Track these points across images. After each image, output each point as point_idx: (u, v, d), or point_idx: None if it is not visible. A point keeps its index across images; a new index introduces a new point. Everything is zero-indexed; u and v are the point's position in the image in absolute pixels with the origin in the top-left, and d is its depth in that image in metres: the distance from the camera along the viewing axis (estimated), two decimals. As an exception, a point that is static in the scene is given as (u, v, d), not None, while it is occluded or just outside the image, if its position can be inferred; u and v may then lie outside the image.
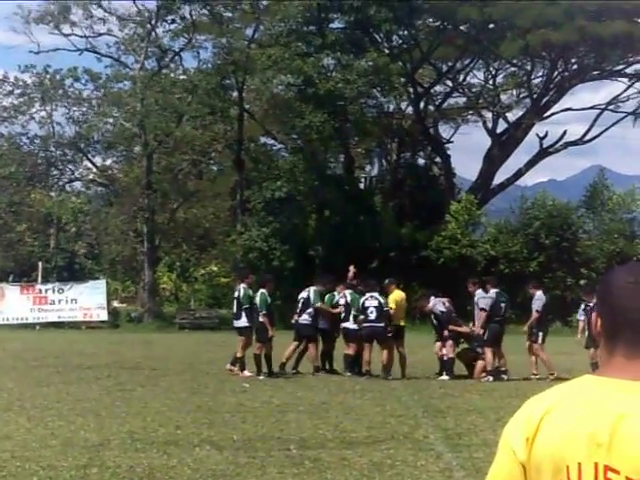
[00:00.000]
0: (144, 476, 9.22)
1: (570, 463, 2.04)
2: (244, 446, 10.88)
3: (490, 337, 19.27)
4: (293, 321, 20.90)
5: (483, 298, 19.46)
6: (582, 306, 20.77)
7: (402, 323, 20.16)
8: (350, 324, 20.06)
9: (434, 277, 40.82)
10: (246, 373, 19.28)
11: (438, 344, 20.05)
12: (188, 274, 59.96)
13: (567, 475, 2.04)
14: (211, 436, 11.54)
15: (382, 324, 19.53)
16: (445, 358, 19.72)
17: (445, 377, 19.29)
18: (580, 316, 21.12)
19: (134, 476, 9.21)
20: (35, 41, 69.50)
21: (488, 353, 19.17)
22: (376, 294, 19.85)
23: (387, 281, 20.63)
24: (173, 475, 9.27)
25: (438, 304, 20.23)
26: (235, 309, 20.01)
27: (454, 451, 10.69)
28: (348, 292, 20.49)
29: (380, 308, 19.56)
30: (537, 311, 19.56)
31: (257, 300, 19.47)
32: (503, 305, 19.79)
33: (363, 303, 19.74)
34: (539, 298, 19.76)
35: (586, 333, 18.93)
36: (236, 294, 20.06)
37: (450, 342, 19.67)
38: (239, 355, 19.55)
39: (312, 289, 20.75)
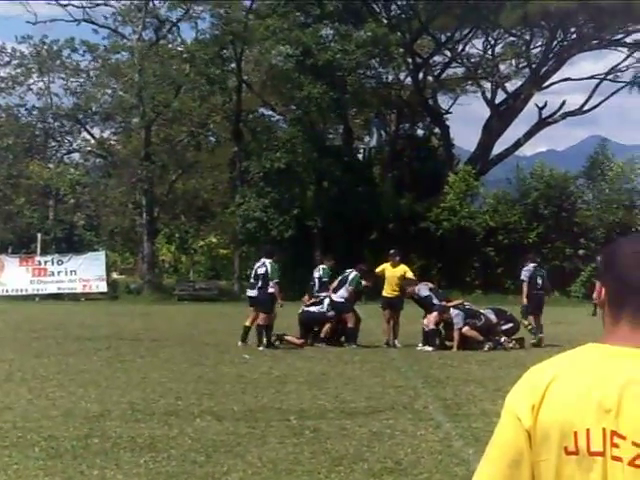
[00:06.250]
0: (145, 446, 9.26)
1: (578, 429, 2.04)
2: (244, 417, 10.92)
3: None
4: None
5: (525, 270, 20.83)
6: None
7: (388, 295, 20.49)
8: (338, 297, 20.17)
9: (433, 248, 40.93)
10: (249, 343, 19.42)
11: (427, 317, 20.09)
12: (187, 246, 59.90)
13: (575, 441, 2.04)
14: (211, 407, 11.59)
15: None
16: (427, 329, 19.74)
17: (428, 348, 19.31)
18: None
19: (135, 446, 9.25)
20: (32, 11, 69.58)
21: (525, 321, 20.58)
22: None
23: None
24: (174, 445, 9.31)
25: (422, 288, 20.45)
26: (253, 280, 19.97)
27: (453, 421, 10.75)
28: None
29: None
30: None
31: (269, 270, 19.42)
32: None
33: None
34: None
35: None
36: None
37: (435, 314, 19.65)
38: (247, 324, 19.66)
39: (321, 267, 21.02)
